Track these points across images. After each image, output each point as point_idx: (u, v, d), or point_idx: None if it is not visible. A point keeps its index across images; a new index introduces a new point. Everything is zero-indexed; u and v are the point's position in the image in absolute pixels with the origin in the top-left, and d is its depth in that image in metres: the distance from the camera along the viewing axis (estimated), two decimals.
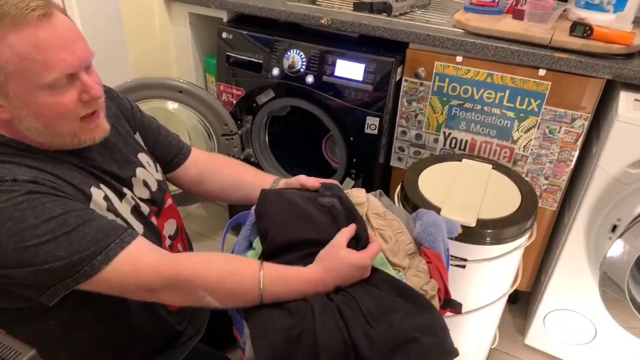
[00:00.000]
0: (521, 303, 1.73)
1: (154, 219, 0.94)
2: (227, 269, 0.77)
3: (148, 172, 0.96)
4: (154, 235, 0.92)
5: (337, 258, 0.77)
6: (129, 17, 1.60)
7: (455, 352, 0.74)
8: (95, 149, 0.85)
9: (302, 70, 1.48)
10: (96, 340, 0.88)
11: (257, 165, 1.74)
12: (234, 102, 1.65)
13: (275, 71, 1.52)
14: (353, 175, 1.59)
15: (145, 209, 0.91)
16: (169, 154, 1.06)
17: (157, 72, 1.77)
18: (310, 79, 1.48)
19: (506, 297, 1.33)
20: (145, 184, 0.94)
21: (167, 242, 0.98)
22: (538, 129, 1.32)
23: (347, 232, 0.81)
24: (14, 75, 0.68)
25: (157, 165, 1.02)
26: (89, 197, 0.79)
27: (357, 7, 1.50)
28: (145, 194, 0.94)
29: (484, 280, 1.23)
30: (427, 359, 0.71)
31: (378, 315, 0.74)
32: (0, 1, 0.66)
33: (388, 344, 0.70)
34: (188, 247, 1.11)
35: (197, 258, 0.79)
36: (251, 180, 1.06)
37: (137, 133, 1.00)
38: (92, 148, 0.84)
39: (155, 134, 1.05)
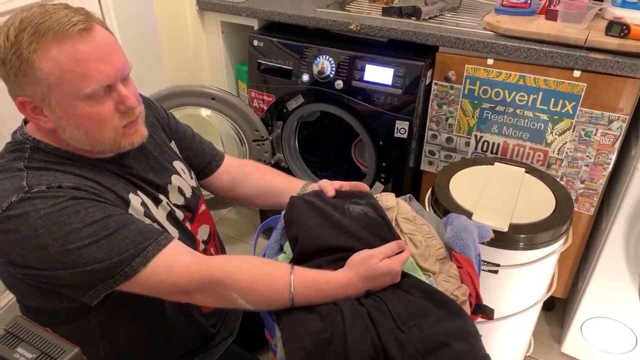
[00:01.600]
0: (557, 310, 1.69)
1: (188, 225, 0.97)
2: (259, 272, 0.79)
3: (183, 179, 0.99)
4: (189, 239, 0.95)
5: (367, 263, 0.78)
6: (164, 27, 1.66)
7: (487, 358, 0.73)
8: (133, 157, 0.88)
9: (331, 75, 1.50)
10: (134, 339, 0.91)
11: (287, 169, 1.76)
12: (265, 108, 1.68)
13: (305, 77, 1.54)
14: (383, 180, 1.59)
15: (179, 214, 0.94)
16: (203, 161, 1.09)
17: (190, 80, 1.82)
18: (339, 84, 1.49)
19: (541, 304, 1.30)
20: (180, 190, 0.97)
21: (201, 246, 1.01)
22: (573, 131, 1.29)
23: (389, 247, 0.80)
24: (55, 86, 0.72)
25: (192, 172, 1.05)
26: (127, 203, 0.83)
27: (386, 11, 1.50)
28: (180, 201, 0.97)
29: (517, 286, 1.21)
30: None
31: (408, 319, 0.74)
32: (44, 17, 0.70)
33: (419, 349, 0.70)
34: (220, 251, 1.13)
35: (230, 261, 0.82)
36: (281, 186, 1.08)
37: (173, 141, 1.04)
38: (130, 156, 0.87)
39: (189, 141, 1.08)
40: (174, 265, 0.77)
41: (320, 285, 0.77)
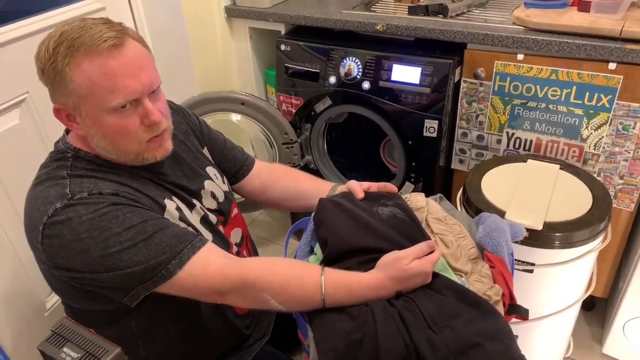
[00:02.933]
0: (598, 310, 1.63)
1: (221, 228, 0.99)
2: (291, 274, 0.80)
3: (215, 184, 1.01)
4: (222, 242, 0.97)
5: (398, 264, 0.78)
6: (194, 36, 1.70)
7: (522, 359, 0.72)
8: (167, 164, 0.91)
9: (358, 77, 1.50)
10: (171, 340, 0.94)
11: (316, 171, 1.77)
12: (293, 111, 1.70)
13: (332, 79, 1.55)
14: (412, 180, 1.58)
15: (213, 218, 0.97)
16: (235, 167, 1.12)
17: (220, 86, 1.85)
18: (366, 85, 1.49)
19: (580, 304, 1.27)
20: (213, 195, 1.00)
21: (234, 249, 1.03)
22: (610, 125, 1.25)
23: (419, 248, 0.80)
24: (85, 98, 0.75)
25: (224, 177, 1.07)
26: (163, 208, 0.85)
27: (413, 10, 1.49)
28: (213, 205, 0.99)
29: (554, 286, 1.18)
30: None
31: (440, 320, 0.73)
32: (81, 32, 0.74)
33: (451, 350, 0.70)
34: (253, 254, 1.15)
35: (262, 263, 0.83)
36: (310, 188, 1.09)
37: (205, 147, 1.06)
38: (164, 164, 0.90)
39: (221, 147, 1.10)
40: (209, 267, 0.79)
41: (351, 286, 0.78)
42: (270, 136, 1.68)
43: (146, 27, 1.48)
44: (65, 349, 0.71)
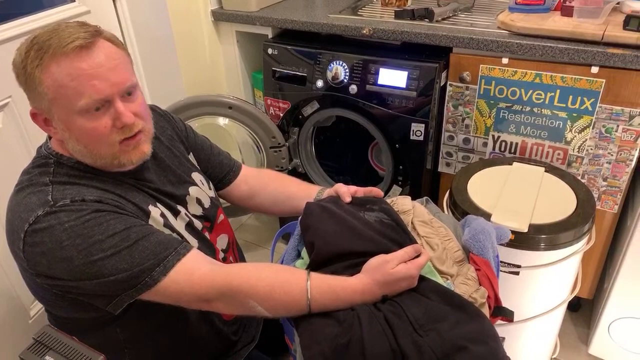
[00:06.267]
0: (584, 311, 1.65)
1: (207, 234, 0.99)
2: (277, 280, 0.80)
3: (201, 190, 1.01)
4: (208, 249, 0.97)
5: (383, 268, 0.78)
6: (180, 39, 1.69)
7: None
8: (152, 171, 0.91)
9: (345, 80, 1.50)
10: (157, 347, 0.93)
11: (304, 175, 1.77)
12: (281, 115, 1.70)
13: (320, 83, 1.55)
14: (400, 183, 1.59)
15: (198, 224, 0.96)
16: (221, 172, 1.11)
17: (208, 90, 1.85)
18: (354, 88, 1.50)
19: (565, 305, 1.28)
20: (199, 201, 0.99)
21: (221, 255, 1.02)
22: (593, 128, 1.26)
23: (405, 252, 0.80)
24: (54, 100, 0.75)
25: (210, 183, 1.07)
26: (147, 214, 0.85)
27: (399, 15, 1.50)
28: (199, 211, 0.99)
29: (539, 287, 1.19)
30: None
31: (426, 323, 0.74)
32: (52, 35, 0.74)
33: (437, 353, 0.70)
34: (240, 260, 1.15)
35: (248, 269, 0.83)
36: (297, 192, 1.09)
37: (191, 153, 1.06)
38: (149, 170, 0.89)
39: (208, 153, 1.10)
40: (194, 274, 0.78)
41: (337, 291, 0.78)
42: (258, 140, 1.67)
43: (132, 31, 1.47)
44: (47, 358, 0.70)
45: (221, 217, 1.06)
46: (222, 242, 1.04)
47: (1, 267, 1.19)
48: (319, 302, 0.77)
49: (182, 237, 0.89)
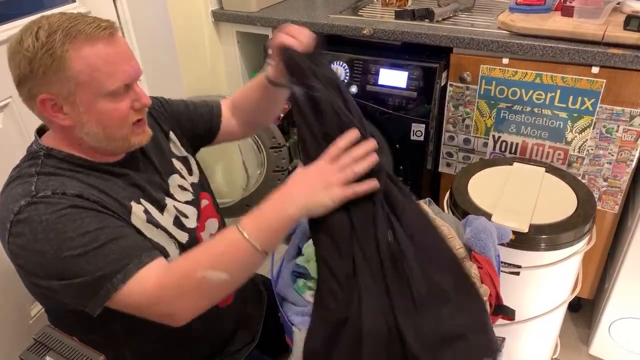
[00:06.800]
0: (584, 311, 1.65)
1: (194, 224, 0.97)
2: (212, 242, 0.78)
3: (182, 178, 1.00)
4: (196, 241, 0.96)
5: (307, 170, 0.78)
6: (181, 39, 1.69)
7: (499, 351, 0.73)
8: (139, 160, 0.91)
9: (345, 81, 1.50)
10: (156, 342, 0.93)
11: None
12: (282, 115, 1.70)
13: None
14: None
15: (185, 217, 0.95)
16: (207, 123, 1.10)
17: (208, 90, 1.85)
18: (354, 89, 1.50)
19: (566, 305, 1.28)
20: (182, 188, 0.99)
21: None
22: (594, 128, 1.26)
23: (335, 147, 0.80)
24: (83, 83, 0.76)
25: (191, 169, 1.05)
26: (129, 210, 0.84)
27: (399, 15, 1.51)
28: (184, 198, 0.98)
29: (540, 288, 1.19)
30: (475, 357, 0.70)
31: (429, 302, 0.71)
32: (74, 21, 0.75)
33: (436, 338, 0.69)
34: None
35: (185, 254, 0.79)
36: (254, 81, 1.07)
37: (171, 131, 1.04)
38: (134, 161, 0.90)
39: (187, 114, 1.08)
40: (146, 282, 0.75)
41: (267, 214, 0.76)
42: (258, 140, 1.67)
43: (133, 32, 1.47)
44: (47, 358, 0.70)
45: (205, 201, 1.04)
46: (211, 226, 1.03)
47: (1, 267, 1.19)
48: (263, 238, 0.74)
49: (169, 232, 0.89)
